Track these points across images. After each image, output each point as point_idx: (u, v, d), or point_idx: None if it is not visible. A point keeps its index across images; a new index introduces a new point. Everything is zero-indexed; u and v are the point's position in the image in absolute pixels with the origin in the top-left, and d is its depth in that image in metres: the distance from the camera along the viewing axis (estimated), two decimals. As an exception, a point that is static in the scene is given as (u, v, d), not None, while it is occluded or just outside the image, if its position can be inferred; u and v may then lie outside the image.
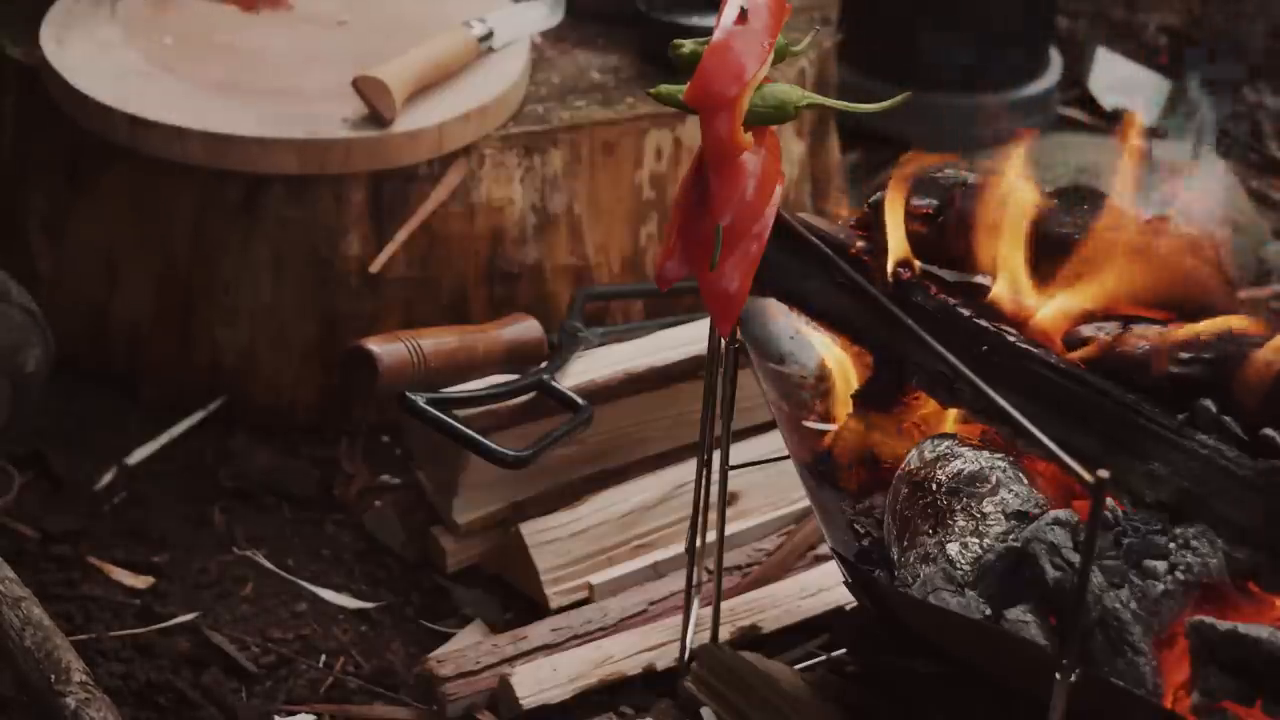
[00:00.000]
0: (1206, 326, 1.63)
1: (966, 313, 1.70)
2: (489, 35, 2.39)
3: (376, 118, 2.23)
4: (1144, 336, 1.65)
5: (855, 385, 1.82)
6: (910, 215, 1.75)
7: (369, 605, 2.10)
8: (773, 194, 1.61)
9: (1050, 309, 1.70)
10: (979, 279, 1.74)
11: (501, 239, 2.34)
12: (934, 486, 1.66)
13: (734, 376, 1.80)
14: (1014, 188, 1.73)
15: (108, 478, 2.25)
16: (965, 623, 1.56)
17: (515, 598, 2.10)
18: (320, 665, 2.01)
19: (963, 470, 1.65)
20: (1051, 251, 1.71)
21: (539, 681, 1.92)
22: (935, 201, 1.76)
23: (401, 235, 2.28)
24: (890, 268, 1.73)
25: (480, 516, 2.13)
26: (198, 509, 2.22)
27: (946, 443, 1.70)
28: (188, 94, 2.29)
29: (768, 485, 2.18)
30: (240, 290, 2.30)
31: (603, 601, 2.06)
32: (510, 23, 2.45)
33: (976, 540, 1.60)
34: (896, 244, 1.73)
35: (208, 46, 2.40)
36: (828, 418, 1.85)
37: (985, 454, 1.67)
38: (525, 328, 2.19)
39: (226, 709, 1.93)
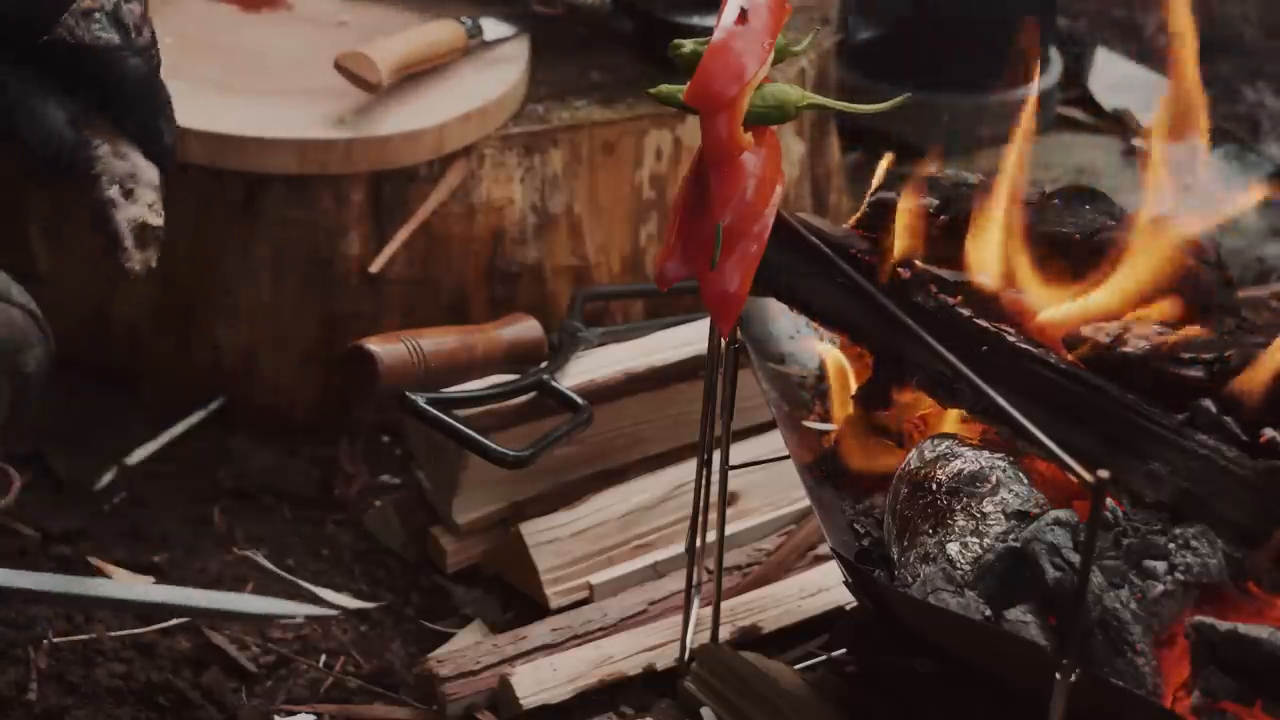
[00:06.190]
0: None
1: (966, 313, 1.70)
2: (478, 30, 2.39)
3: (367, 88, 2.23)
4: (1144, 336, 1.65)
5: (855, 385, 1.82)
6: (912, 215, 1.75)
7: (369, 605, 2.10)
8: (773, 194, 1.61)
9: (1050, 309, 1.70)
10: (979, 279, 1.74)
11: (501, 239, 2.34)
12: (934, 486, 1.66)
13: (734, 376, 1.80)
14: (1014, 188, 1.72)
15: (108, 478, 2.25)
16: (965, 623, 1.56)
17: (515, 598, 2.10)
18: (320, 665, 2.01)
19: (963, 470, 1.65)
20: (1052, 252, 1.71)
21: (539, 681, 1.92)
22: (936, 201, 1.76)
23: (401, 235, 2.28)
24: (891, 267, 1.73)
25: (480, 516, 2.13)
26: (198, 509, 2.22)
27: (946, 443, 1.70)
28: (188, 94, 2.27)
29: (768, 485, 2.17)
30: (240, 290, 2.30)
31: (603, 601, 2.06)
32: (499, 23, 2.45)
33: (976, 540, 1.60)
34: (903, 246, 1.73)
35: (208, 46, 2.39)
36: (828, 418, 1.85)
37: (985, 454, 1.67)
38: (525, 328, 2.19)
39: (226, 709, 1.93)
